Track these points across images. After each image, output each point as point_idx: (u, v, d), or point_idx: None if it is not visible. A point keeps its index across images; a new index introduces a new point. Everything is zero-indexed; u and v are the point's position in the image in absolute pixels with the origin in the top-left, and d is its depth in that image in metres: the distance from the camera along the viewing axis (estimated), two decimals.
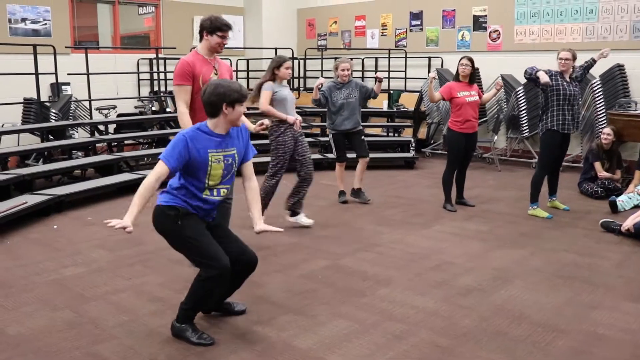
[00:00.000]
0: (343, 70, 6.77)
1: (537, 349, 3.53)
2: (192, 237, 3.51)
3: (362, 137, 7.07)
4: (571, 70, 6.34)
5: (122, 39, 11.96)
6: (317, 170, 6.69)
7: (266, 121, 5.09)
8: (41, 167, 7.73)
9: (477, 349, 3.53)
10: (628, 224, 5.75)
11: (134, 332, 3.75)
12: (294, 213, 6.13)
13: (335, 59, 7.40)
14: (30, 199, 6.45)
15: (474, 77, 6.74)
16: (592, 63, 6.52)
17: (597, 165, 7.53)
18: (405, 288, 4.50)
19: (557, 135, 6.36)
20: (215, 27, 4.47)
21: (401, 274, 4.81)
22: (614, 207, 6.70)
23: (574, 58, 6.29)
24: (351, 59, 12.21)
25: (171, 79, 6.02)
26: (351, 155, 7.19)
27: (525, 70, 6.26)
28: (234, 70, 12.45)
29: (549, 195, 6.90)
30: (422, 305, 4.16)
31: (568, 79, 6.30)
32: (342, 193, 7.28)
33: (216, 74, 4.51)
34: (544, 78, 6.11)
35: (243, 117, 4.27)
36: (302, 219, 6.12)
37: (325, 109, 7.00)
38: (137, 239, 5.70)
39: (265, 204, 5.77)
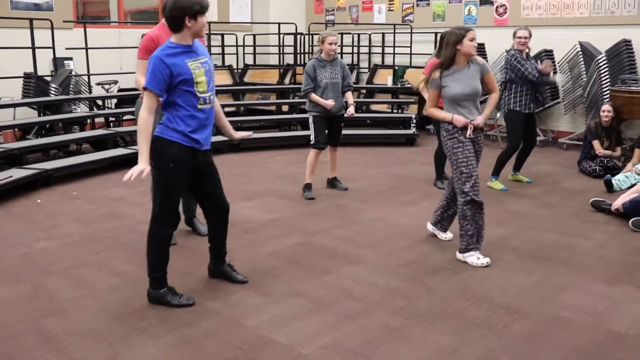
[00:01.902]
0: (331, 44, 6.02)
1: (491, 332, 3.41)
2: (170, 186, 3.61)
3: (342, 124, 6.49)
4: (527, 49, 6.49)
5: (132, 15, 11.88)
6: (306, 148, 6.56)
7: (250, 134, 4.28)
8: (32, 142, 7.72)
9: (428, 331, 3.42)
10: (617, 203, 5.57)
11: (86, 306, 3.72)
12: (439, 226, 4.99)
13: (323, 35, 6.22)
14: (16, 173, 6.46)
15: None
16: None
17: (596, 143, 7.31)
18: (372, 266, 4.40)
19: (521, 115, 6.52)
20: None
21: (372, 251, 4.71)
22: (609, 186, 6.49)
23: (530, 36, 6.41)
24: (358, 34, 12.24)
25: None
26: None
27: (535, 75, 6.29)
28: (240, 46, 12.42)
29: (513, 170, 7.02)
30: (384, 284, 4.06)
31: (525, 58, 6.42)
32: (308, 187, 6.36)
33: None
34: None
35: (227, 124, 4.08)
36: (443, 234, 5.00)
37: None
38: (117, 214, 5.71)
39: (470, 235, 4.46)
